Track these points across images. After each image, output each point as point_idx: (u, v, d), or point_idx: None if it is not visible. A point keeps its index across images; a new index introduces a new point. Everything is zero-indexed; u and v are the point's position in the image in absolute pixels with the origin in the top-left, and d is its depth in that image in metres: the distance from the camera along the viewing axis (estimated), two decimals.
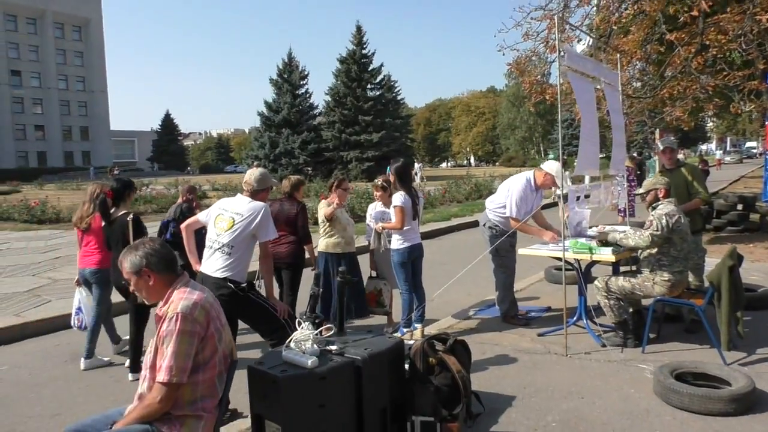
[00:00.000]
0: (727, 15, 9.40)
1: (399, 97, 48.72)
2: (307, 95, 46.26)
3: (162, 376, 2.52)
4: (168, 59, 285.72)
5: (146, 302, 2.77)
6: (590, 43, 10.68)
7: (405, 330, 5.78)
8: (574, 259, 5.43)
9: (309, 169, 38.49)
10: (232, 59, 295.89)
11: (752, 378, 4.06)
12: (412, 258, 5.76)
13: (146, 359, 2.69)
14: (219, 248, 4.20)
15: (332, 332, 3.21)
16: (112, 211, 5.24)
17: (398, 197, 5.59)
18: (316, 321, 3.20)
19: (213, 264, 4.17)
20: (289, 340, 3.04)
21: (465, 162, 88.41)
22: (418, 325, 5.85)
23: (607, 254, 5.19)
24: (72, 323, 5.63)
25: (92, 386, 5.07)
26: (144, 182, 34.56)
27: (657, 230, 4.88)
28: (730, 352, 4.82)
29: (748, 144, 66.38)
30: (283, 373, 2.77)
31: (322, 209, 5.97)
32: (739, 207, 12.47)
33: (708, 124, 56.90)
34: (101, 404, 4.53)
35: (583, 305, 5.66)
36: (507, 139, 77.30)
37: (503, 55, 12.01)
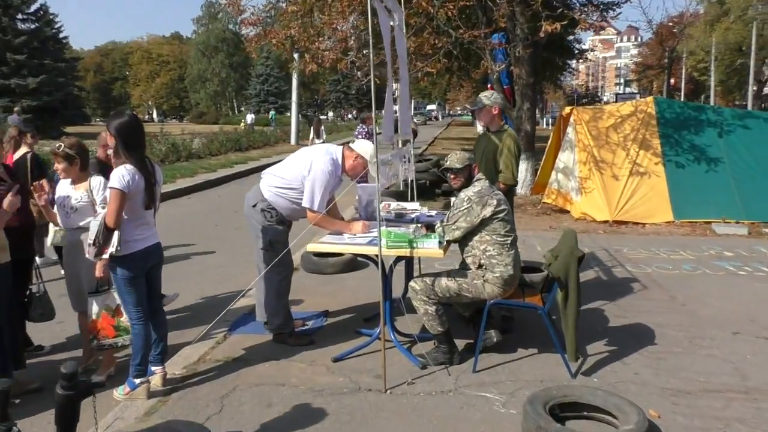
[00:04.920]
0: None
1: (61, 35, 41.80)
2: None
3: None
4: None
5: None
6: None
7: (137, 382, 3.89)
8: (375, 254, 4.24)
9: None
10: None
11: (637, 406, 3.40)
12: (148, 267, 3.88)
13: None
14: None
15: None
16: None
17: (120, 174, 3.62)
18: None
19: None
20: None
21: (147, 117, 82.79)
22: (158, 368, 4.04)
23: (432, 248, 4.10)
24: None
25: None
26: None
27: (450, 223, 4.15)
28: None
29: (429, 107, 75.31)
30: None
31: None
32: None
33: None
34: None
35: (389, 313, 4.52)
36: (197, 93, 74.50)
37: None
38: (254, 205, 4.56)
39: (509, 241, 4.15)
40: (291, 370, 4.26)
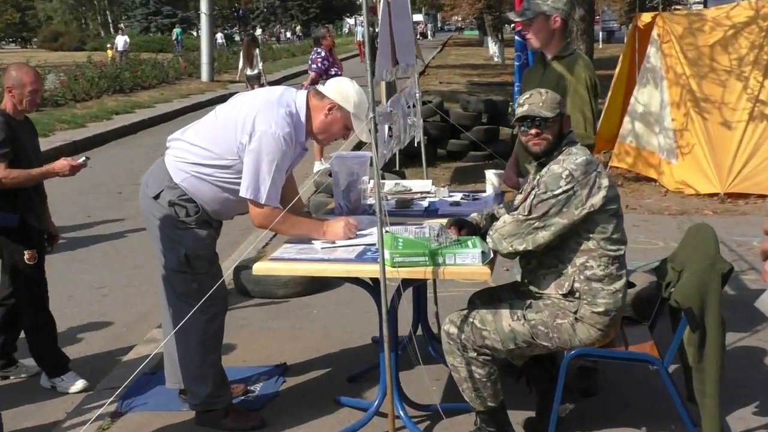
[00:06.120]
0: None
1: None
2: None
3: None
4: None
5: None
6: None
7: None
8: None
9: None
10: None
11: None
12: None
13: None
14: None
15: None
16: None
17: None
18: None
19: None
20: None
21: None
22: None
23: (472, 264, 3.77)
24: None
25: None
26: None
27: (533, 217, 3.73)
28: None
29: (414, 18, 76.38)
30: None
31: None
32: (485, 119, 12.95)
33: None
34: None
35: (396, 373, 4.19)
36: (47, 2, 76.00)
37: None
38: (157, 196, 4.26)
39: (622, 252, 3.88)
40: None
